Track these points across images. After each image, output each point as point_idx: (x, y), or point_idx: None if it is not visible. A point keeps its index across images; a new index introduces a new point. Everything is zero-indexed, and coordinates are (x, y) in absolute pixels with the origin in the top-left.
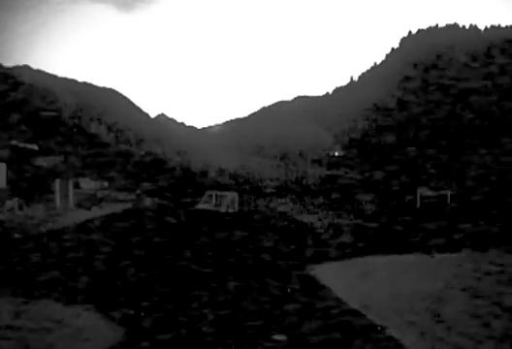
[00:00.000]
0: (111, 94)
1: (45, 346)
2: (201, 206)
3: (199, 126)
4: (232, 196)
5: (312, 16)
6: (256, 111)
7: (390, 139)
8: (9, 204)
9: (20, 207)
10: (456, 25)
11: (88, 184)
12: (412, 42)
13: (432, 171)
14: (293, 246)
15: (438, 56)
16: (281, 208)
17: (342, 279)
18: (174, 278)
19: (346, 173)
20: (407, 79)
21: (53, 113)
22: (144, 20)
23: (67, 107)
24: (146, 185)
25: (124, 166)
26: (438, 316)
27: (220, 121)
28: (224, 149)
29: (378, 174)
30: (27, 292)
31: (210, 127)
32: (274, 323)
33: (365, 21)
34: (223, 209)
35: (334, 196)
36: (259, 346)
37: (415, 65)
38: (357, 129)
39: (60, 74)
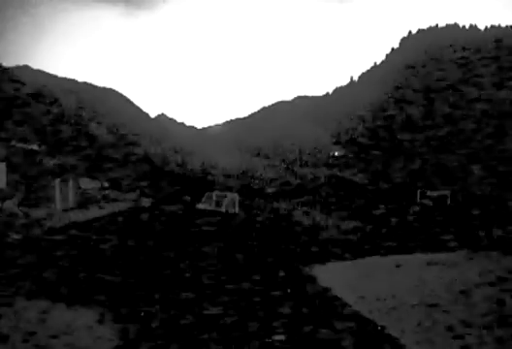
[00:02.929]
0: (110, 94)
1: (44, 347)
2: (200, 206)
3: (199, 126)
4: (232, 196)
5: (313, 17)
6: (256, 111)
7: (390, 139)
8: (8, 203)
9: (20, 207)
10: (456, 25)
11: (88, 184)
12: (412, 42)
13: (433, 171)
14: (294, 246)
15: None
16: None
17: (343, 280)
18: (174, 279)
19: (346, 173)
20: (407, 78)
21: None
22: (144, 21)
23: (67, 107)
24: (146, 185)
25: (124, 166)
26: (439, 317)
27: (220, 121)
28: (224, 149)
29: (378, 175)
30: (27, 292)
31: (210, 127)
32: (274, 323)
33: (365, 21)
34: (223, 210)
35: (334, 196)
36: (259, 346)
37: (414, 66)
38: (357, 129)
39: (60, 74)
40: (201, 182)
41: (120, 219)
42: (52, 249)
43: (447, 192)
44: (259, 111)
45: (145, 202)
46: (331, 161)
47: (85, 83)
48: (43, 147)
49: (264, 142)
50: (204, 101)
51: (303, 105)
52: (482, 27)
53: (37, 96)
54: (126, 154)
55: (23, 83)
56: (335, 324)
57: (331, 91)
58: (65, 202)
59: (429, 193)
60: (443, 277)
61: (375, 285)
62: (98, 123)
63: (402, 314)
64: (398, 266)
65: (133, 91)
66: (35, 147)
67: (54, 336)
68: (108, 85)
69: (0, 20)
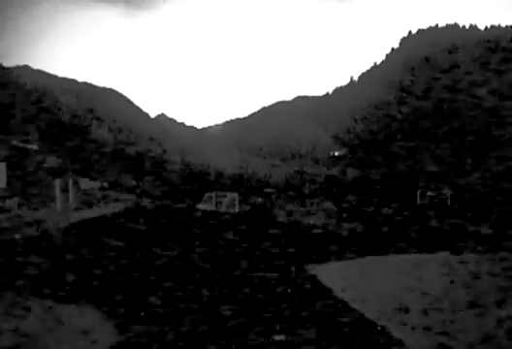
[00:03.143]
0: (111, 94)
1: (45, 346)
2: (201, 206)
3: (199, 126)
4: (232, 196)
5: (313, 17)
6: (256, 111)
7: (390, 138)
8: (8, 203)
9: (20, 207)
10: (456, 25)
11: (88, 184)
12: (412, 42)
13: (433, 171)
14: (295, 246)
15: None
16: None
17: (343, 279)
18: (175, 277)
19: (346, 172)
20: (407, 78)
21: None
22: (144, 21)
23: (67, 107)
24: (146, 185)
25: (124, 166)
26: (439, 316)
27: (220, 121)
28: (224, 149)
29: (378, 174)
30: (27, 292)
31: (210, 127)
32: (274, 323)
33: (365, 21)
34: (223, 210)
35: (334, 196)
36: (259, 346)
37: (413, 68)
38: (357, 129)
39: (60, 74)
40: (201, 182)
41: (120, 219)
42: (52, 249)
43: (447, 192)
44: (259, 111)
45: (146, 202)
46: (331, 161)
47: (85, 83)
48: (43, 147)
49: (264, 142)
50: (204, 101)
51: (303, 105)
52: (482, 27)
53: (37, 96)
54: (126, 154)
55: (24, 84)
56: (335, 322)
57: (331, 91)
58: (65, 202)
59: (430, 193)
60: (443, 277)
61: (375, 284)
62: (98, 123)
63: (402, 313)
64: (398, 265)
65: (133, 91)
66: (35, 147)
67: (52, 333)
68: (108, 85)
69: (0, 20)
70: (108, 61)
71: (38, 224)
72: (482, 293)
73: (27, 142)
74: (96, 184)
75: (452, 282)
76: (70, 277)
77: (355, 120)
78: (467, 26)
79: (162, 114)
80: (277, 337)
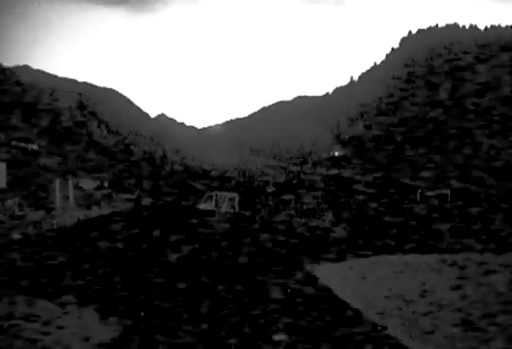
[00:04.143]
0: (111, 94)
1: (43, 344)
2: (201, 206)
3: (199, 126)
4: (232, 196)
5: (313, 17)
6: (256, 111)
7: (389, 138)
8: (9, 203)
9: (20, 207)
10: (456, 25)
11: (88, 184)
12: (412, 42)
13: (432, 170)
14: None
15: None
16: None
17: (343, 279)
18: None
19: (345, 173)
20: (406, 78)
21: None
22: (145, 22)
23: (67, 107)
24: (146, 185)
25: (124, 166)
26: (440, 316)
27: (220, 121)
28: (224, 149)
29: (377, 174)
30: (28, 291)
31: (210, 127)
32: (275, 323)
33: (365, 22)
34: (223, 210)
35: (333, 196)
36: (260, 346)
37: (413, 66)
38: (356, 129)
39: (60, 74)
40: (201, 182)
41: (120, 219)
42: (52, 248)
43: (447, 191)
44: (259, 111)
45: (145, 201)
46: (331, 161)
47: (85, 83)
48: (43, 147)
49: (264, 143)
50: (204, 101)
51: (303, 105)
52: (482, 27)
53: (37, 96)
54: (126, 154)
55: (23, 84)
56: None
57: (331, 91)
58: (65, 201)
59: (429, 193)
60: (443, 277)
61: (375, 284)
62: (98, 123)
63: (403, 313)
64: (398, 265)
65: (133, 91)
66: (35, 147)
67: (61, 328)
68: (108, 86)
69: (0, 20)
70: (108, 62)
71: (37, 223)
72: (480, 291)
73: (27, 142)
74: (96, 184)
75: (451, 282)
76: (67, 277)
77: (354, 121)
78: (467, 26)
79: (162, 114)
80: (278, 337)
